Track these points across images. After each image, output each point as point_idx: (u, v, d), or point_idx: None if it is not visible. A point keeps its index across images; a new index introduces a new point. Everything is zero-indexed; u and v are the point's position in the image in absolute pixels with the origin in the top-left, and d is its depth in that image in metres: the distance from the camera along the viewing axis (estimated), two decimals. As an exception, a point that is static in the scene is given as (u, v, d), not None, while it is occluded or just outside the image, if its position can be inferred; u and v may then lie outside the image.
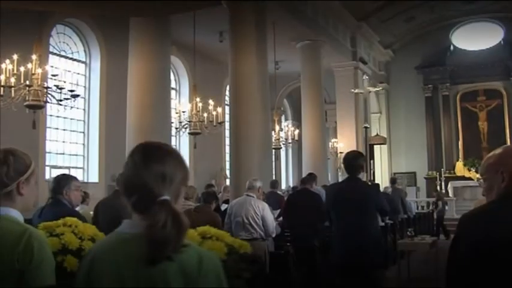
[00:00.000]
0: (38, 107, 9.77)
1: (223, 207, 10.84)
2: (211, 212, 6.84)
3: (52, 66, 12.56)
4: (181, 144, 19.16)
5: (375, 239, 5.46)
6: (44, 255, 2.13)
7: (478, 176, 18.72)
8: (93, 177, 15.72)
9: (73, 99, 10.22)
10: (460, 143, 24.84)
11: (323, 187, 12.58)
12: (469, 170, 23.84)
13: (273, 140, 16.06)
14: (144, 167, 1.71)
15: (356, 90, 19.90)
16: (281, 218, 9.08)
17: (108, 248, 1.72)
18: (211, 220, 6.16)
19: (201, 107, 13.07)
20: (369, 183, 10.63)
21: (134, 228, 1.68)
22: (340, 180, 15.86)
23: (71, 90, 10.14)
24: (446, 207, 18.60)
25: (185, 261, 1.63)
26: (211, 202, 7.05)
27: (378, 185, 10.34)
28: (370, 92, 20.00)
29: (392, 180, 14.42)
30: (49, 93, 9.82)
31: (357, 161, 5.57)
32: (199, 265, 1.64)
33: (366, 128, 19.51)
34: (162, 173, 1.70)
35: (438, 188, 22.53)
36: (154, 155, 1.74)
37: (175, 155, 1.79)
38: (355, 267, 5.33)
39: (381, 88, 21.39)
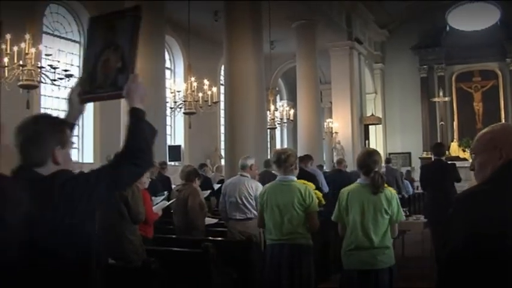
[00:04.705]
0: (32, 87, 9.73)
1: (217, 187, 10.83)
2: (195, 190, 6.86)
3: (46, 46, 12.46)
4: (176, 124, 19.13)
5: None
6: (314, 197, 4.90)
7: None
8: (88, 157, 15.67)
9: (67, 79, 10.16)
10: (455, 123, 24.87)
11: (319, 167, 12.61)
12: (464, 151, 23.90)
13: (268, 120, 16.06)
14: (369, 158, 4.53)
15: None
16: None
17: (355, 189, 4.56)
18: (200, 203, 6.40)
19: (196, 87, 13.02)
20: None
21: (365, 181, 4.50)
22: (335, 159, 15.80)
23: (65, 70, 10.09)
24: None
25: (386, 193, 4.47)
26: (192, 180, 7.02)
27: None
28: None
29: (387, 160, 14.49)
30: (43, 73, 9.77)
31: (442, 149, 8.89)
32: (391, 194, 4.48)
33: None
34: (374, 160, 4.52)
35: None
36: (371, 153, 4.62)
37: (377, 153, 4.67)
38: (443, 219, 7.08)
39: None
